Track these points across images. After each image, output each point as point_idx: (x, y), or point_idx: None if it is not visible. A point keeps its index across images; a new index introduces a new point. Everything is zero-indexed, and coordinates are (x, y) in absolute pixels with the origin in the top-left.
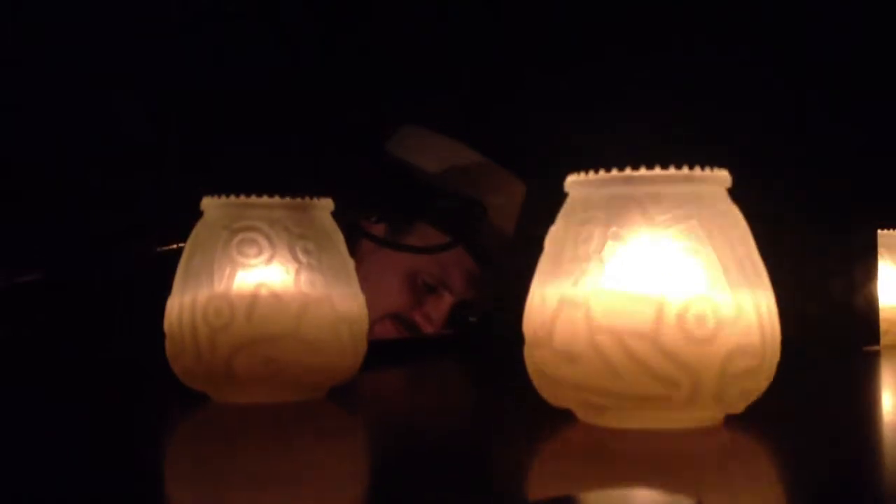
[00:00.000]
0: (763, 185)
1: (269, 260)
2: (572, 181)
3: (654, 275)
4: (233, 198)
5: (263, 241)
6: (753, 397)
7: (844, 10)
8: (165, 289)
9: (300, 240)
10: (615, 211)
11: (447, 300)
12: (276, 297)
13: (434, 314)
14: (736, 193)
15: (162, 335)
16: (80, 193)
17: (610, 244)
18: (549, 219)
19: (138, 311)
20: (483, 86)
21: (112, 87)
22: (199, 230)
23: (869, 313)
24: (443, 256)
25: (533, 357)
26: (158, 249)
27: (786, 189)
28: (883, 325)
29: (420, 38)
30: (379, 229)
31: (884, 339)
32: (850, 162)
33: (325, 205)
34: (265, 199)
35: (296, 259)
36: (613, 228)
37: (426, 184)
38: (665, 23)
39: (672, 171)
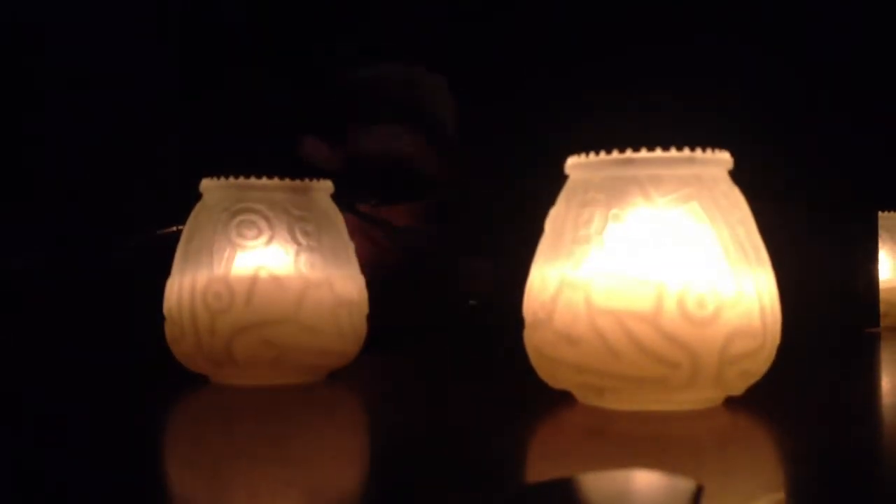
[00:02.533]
0: (764, 166)
1: (269, 242)
2: (573, 163)
3: (654, 257)
4: (232, 179)
5: (263, 223)
6: (753, 379)
7: None
8: (164, 271)
9: (300, 221)
10: (616, 193)
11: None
12: (275, 280)
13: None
14: (737, 175)
15: (161, 317)
16: (76, 177)
17: (610, 226)
18: (550, 201)
19: (137, 293)
20: (484, 67)
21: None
22: (198, 212)
23: (869, 295)
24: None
25: (532, 339)
26: (157, 232)
27: (787, 170)
28: (883, 307)
29: (419, 22)
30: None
31: (884, 321)
32: (852, 143)
33: (325, 186)
34: (265, 180)
35: (295, 241)
36: (614, 210)
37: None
38: (668, 5)
39: (673, 152)
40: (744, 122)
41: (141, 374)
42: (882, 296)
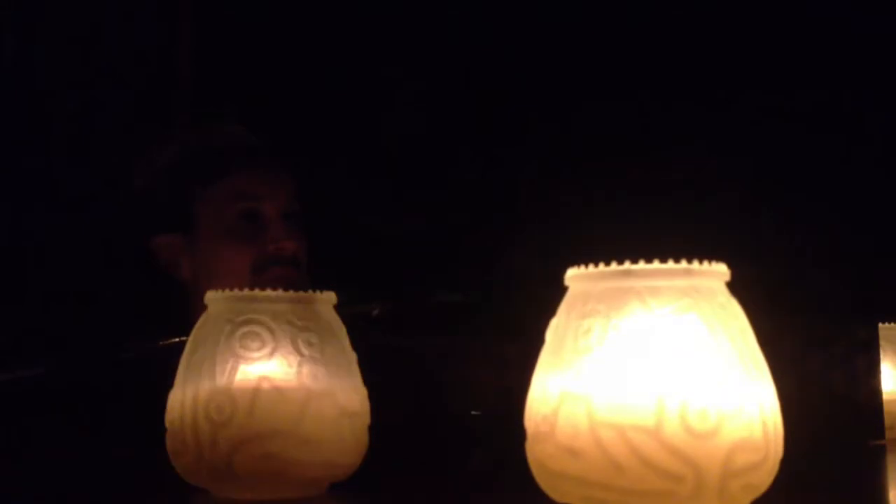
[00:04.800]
0: (763, 278)
1: (272, 353)
2: (572, 274)
3: (655, 369)
4: (237, 291)
5: (266, 335)
6: (758, 493)
7: (840, 108)
8: (167, 383)
9: (303, 332)
10: (615, 304)
11: (273, 219)
12: (278, 392)
13: (275, 242)
14: (735, 287)
15: (163, 430)
16: (79, 289)
17: (610, 337)
18: (550, 311)
19: (140, 405)
20: (487, 180)
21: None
22: (202, 324)
23: (873, 407)
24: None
25: (535, 451)
26: (160, 343)
27: (786, 283)
28: (887, 420)
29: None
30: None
31: (889, 434)
32: (850, 255)
33: (328, 298)
34: (269, 292)
35: (298, 352)
36: (614, 321)
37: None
38: (667, 121)
39: (671, 264)
40: (744, 235)
41: (141, 489)
42: (886, 408)
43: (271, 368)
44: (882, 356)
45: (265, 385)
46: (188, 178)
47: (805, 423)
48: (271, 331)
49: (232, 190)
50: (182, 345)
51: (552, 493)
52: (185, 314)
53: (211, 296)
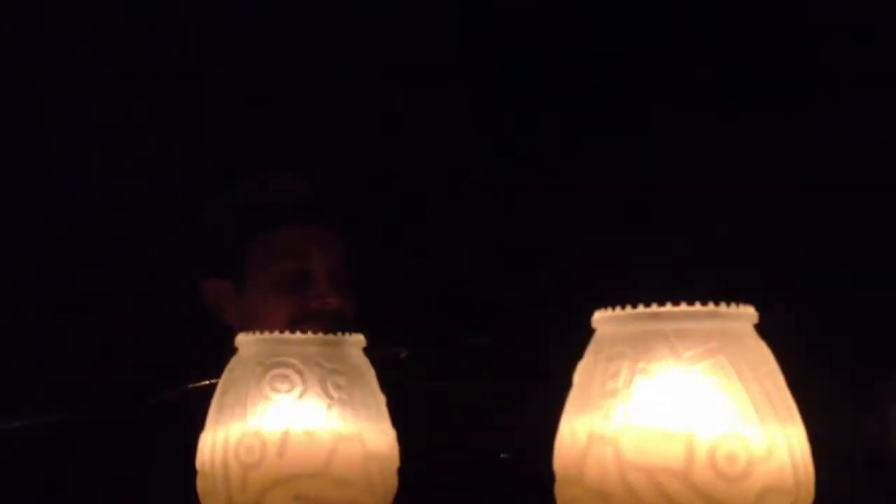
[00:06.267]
0: (793, 320)
1: (301, 395)
2: (600, 317)
3: (683, 411)
4: (267, 334)
5: (296, 377)
6: None
7: (858, 154)
8: (199, 426)
9: (332, 375)
10: (643, 346)
11: (320, 277)
12: (307, 434)
13: (320, 298)
14: (764, 329)
15: (194, 472)
16: (106, 332)
17: (638, 380)
18: (577, 353)
19: (170, 448)
20: (514, 223)
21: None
22: (233, 366)
23: None
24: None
25: (564, 495)
26: (191, 386)
27: (817, 325)
28: None
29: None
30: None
31: None
32: (882, 299)
33: (357, 341)
34: (298, 335)
35: (327, 394)
36: (641, 364)
37: None
38: (696, 164)
39: (698, 306)
40: (773, 277)
41: None
42: None
43: (301, 411)
44: None
45: (294, 427)
46: (241, 230)
47: (836, 467)
48: (301, 373)
49: (281, 246)
50: (213, 387)
51: None
52: (225, 358)
53: (242, 338)
